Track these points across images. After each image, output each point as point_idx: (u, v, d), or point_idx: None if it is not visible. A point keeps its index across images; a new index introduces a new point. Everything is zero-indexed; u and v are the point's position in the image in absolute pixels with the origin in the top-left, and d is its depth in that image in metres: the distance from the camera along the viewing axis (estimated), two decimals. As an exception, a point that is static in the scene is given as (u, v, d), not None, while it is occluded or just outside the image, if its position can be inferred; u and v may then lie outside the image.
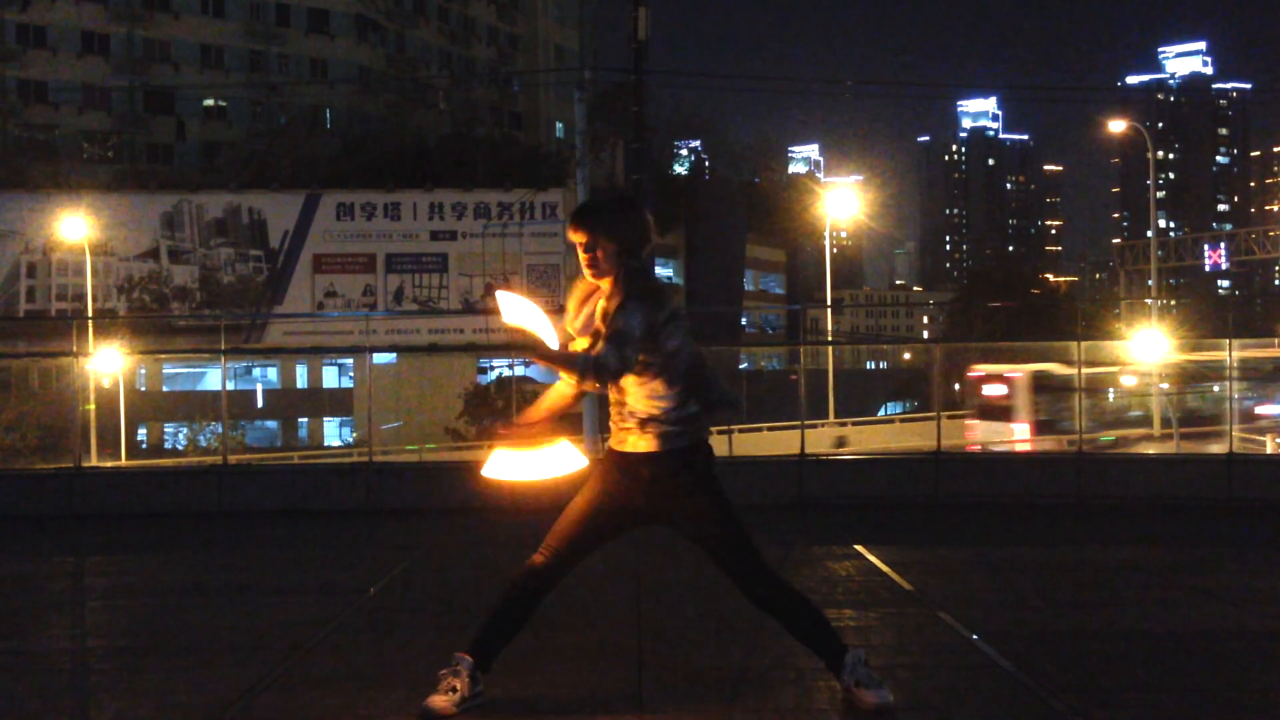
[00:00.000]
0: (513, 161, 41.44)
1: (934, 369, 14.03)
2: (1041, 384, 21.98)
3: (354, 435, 36.20)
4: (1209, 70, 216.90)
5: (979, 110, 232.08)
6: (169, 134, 50.53)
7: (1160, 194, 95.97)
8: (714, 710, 3.75)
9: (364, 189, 36.39)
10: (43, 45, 48.94)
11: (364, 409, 24.54)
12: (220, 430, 23.08)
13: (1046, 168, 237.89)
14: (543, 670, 4.17)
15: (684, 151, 61.49)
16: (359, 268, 35.82)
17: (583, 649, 4.52)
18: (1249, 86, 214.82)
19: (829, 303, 51.44)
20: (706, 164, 60.67)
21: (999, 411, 23.11)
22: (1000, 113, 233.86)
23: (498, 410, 30.12)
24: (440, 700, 3.63)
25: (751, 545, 3.72)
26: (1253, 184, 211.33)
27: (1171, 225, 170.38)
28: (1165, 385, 22.67)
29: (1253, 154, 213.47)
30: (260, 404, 39.50)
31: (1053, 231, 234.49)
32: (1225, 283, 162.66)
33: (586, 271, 3.64)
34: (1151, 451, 24.22)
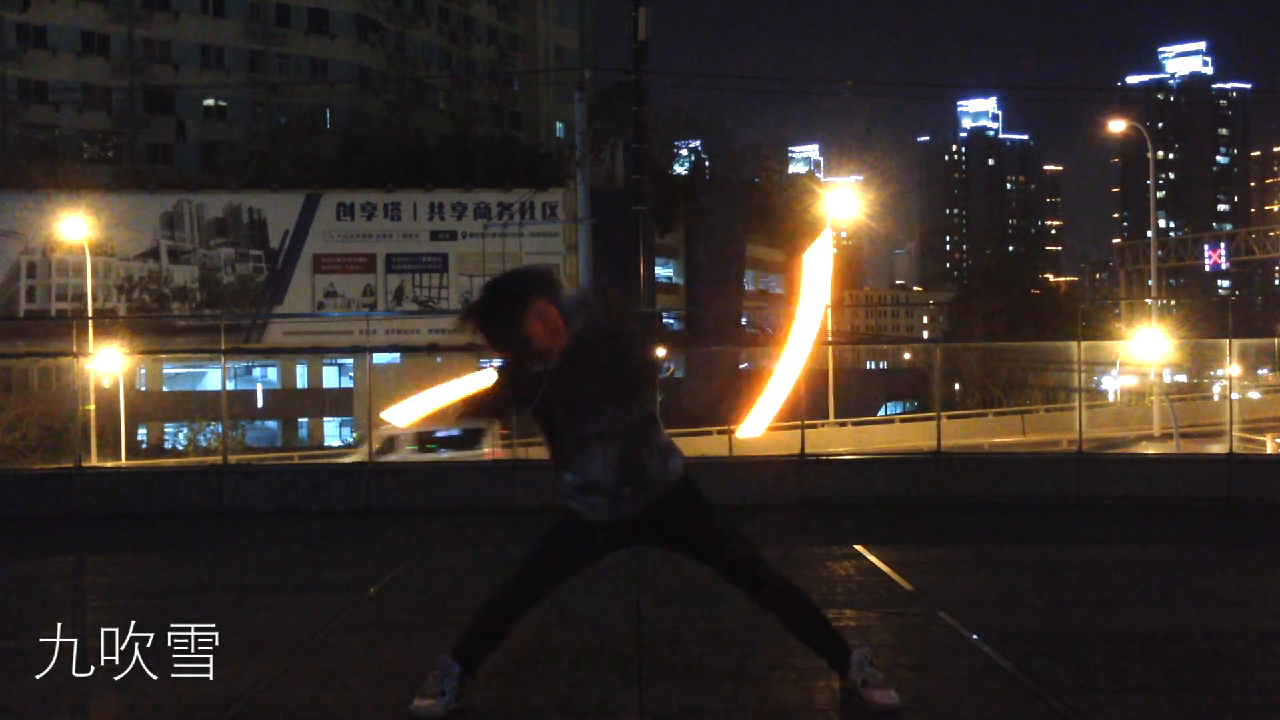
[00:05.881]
0: (513, 161, 41.39)
1: (934, 369, 14.03)
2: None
3: (354, 435, 36.18)
4: (1209, 70, 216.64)
5: (979, 110, 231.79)
6: (169, 134, 50.50)
7: (1160, 194, 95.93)
8: (714, 710, 3.75)
9: (364, 189, 36.40)
10: (43, 45, 48.91)
11: (364, 409, 24.49)
12: (220, 430, 23.05)
13: (1046, 168, 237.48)
14: (543, 670, 4.17)
15: (684, 151, 61.36)
16: (359, 268, 35.84)
17: (583, 649, 4.51)
18: (1249, 86, 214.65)
19: (829, 303, 51.39)
20: (706, 164, 60.54)
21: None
22: (1000, 113, 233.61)
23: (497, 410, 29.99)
24: (426, 703, 3.63)
25: (752, 546, 3.73)
26: (1253, 184, 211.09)
27: (1171, 225, 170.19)
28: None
29: (1253, 154, 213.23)
30: (260, 404, 39.48)
31: (1053, 231, 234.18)
32: (1225, 283, 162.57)
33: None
34: (1151, 451, 24.25)
